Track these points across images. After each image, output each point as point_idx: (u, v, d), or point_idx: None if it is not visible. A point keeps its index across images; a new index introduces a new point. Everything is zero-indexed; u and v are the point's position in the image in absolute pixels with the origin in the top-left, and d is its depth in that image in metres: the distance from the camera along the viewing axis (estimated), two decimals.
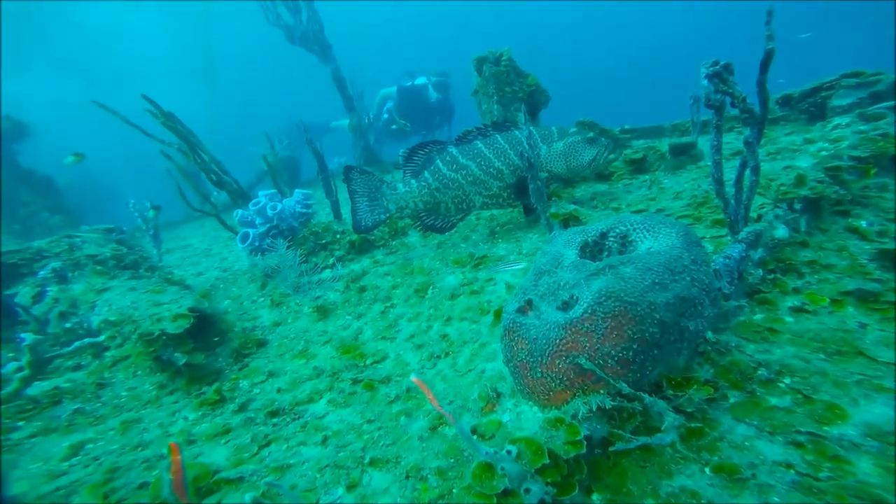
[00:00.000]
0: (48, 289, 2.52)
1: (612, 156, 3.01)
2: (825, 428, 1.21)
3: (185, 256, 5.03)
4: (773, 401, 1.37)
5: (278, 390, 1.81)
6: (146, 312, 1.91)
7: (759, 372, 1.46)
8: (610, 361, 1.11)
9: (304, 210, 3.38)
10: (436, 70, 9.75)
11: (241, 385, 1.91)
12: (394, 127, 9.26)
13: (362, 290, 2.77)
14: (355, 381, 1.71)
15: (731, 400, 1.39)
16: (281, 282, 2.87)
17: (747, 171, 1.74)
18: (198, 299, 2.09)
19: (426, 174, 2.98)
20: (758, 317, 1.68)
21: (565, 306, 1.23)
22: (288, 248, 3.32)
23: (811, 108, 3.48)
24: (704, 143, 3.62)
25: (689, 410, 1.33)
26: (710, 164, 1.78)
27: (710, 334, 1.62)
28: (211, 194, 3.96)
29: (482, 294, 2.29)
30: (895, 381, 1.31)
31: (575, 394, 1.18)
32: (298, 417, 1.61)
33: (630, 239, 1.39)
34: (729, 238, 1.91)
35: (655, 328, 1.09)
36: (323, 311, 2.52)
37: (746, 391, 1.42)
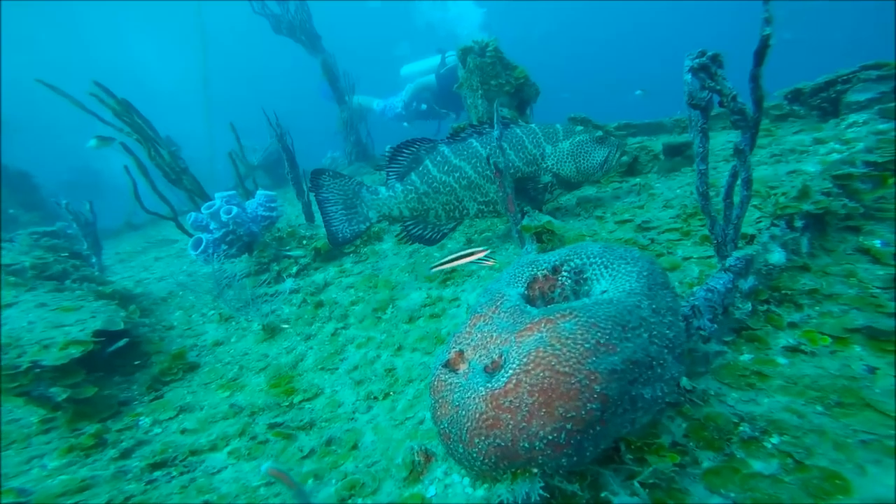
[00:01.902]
0: None
1: (624, 157, 2.71)
2: None
3: (158, 257, 4.86)
4: (757, 466, 1.12)
5: (182, 431, 1.60)
6: (39, 336, 1.69)
7: (741, 428, 1.22)
8: (538, 444, 0.87)
9: (266, 213, 3.16)
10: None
11: (140, 423, 1.69)
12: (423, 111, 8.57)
13: (319, 305, 2.55)
14: (272, 426, 1.49)
15: (705, 464, 1.15)
16: (233, 294, 2.66)
17: (738, 184, 1.47)
18: (111, 319, 1.88)
19: (413, 176, 2.54)
20: (745, 357, 1.42)
21: (493, 368, 0.99)
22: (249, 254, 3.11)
23: (823, 103, 3.15)
24: (713, 139, 3.31)
25: (651, 481, 1.09)
26: (703, 166, 1.51)
27: (685, 381, 1.38)
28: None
29: (442, 318, 2.06)
30: None
31: (502, 475, 0.95)
32: (188, 471, 1.38)
33: (585, 276, 1.14)
34: (717, 260, 1.65)
35: (595, 404, 0.85)
36: (271, 331, 2.31)
37: (724, 453, 1.18)
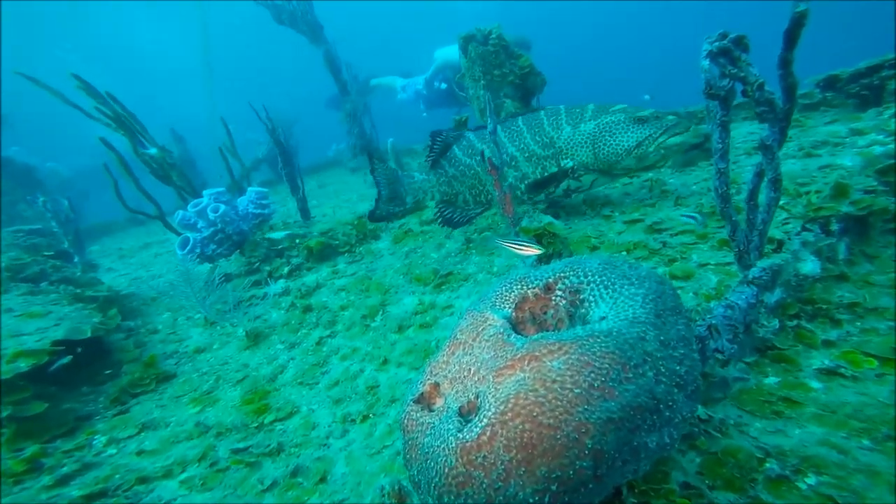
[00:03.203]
0: None
1: (676, 139, 2.19)
2: None
3: (158, 254, 4.81)
4: None
5: (139, 453, 1.48)
6: None
7: (768, 465, 1.04)
8: None
9: (258, 210, 3.04)
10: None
11: (94, 442, 1.57)
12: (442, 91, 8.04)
13: (308, 309, 2.43)
14: (236, 451, 1.36)
15: None
16: (221, 297, 2.56)
17: (764, 185, 1.26)
18: (76, 328, 1.77)
19: (444, 161, 2.71)
20: (770, 381, 1.24)
21: (468, 411, 0.84)
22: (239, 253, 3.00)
23: (864, 91, 2.86)
24: (735, 130, 3.06)
25: None
26: (722, 164, 1.31)
27: (700, 409, 1.20)
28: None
29: (433, 328, 1.90)
30: None
31: None
32: None
33: (582, 297, 0.97)
34: (738, 270, 1.45)
35: (586, 462, 0.69)
36: (255, 337, 2.20)
37: (747, 496, 1.00)
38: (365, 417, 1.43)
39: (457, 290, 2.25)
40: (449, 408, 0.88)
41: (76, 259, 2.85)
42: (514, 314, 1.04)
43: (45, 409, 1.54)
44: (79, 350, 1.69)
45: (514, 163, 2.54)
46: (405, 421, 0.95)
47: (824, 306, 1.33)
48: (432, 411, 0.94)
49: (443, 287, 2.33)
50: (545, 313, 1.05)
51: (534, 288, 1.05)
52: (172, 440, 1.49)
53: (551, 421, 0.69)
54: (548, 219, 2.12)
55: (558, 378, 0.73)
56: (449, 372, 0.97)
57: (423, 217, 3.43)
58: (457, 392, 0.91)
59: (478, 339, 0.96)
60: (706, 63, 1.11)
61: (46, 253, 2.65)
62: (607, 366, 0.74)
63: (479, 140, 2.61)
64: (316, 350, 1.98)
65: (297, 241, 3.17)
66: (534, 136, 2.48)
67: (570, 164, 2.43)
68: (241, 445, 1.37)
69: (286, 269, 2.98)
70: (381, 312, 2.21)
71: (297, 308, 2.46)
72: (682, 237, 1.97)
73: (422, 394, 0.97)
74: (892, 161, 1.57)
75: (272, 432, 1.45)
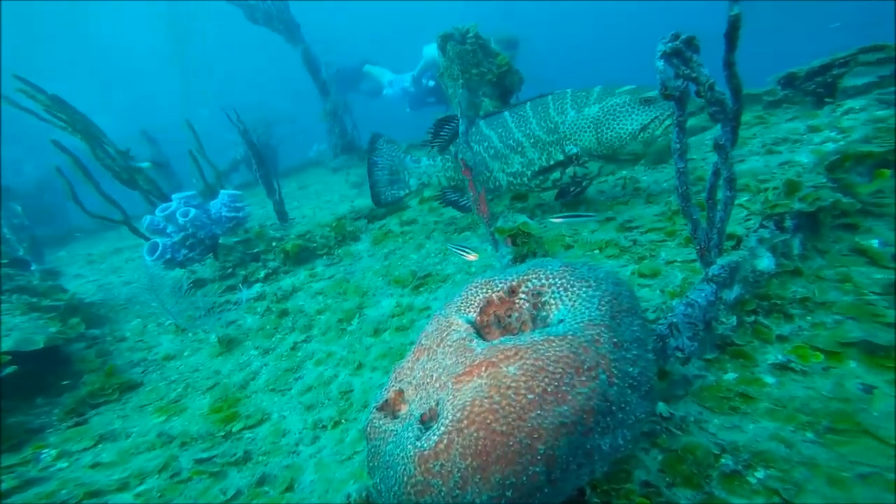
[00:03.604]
0: None
1: (690, 120, 2.14)
2: None
3: (130, 258, 4.66)
4: None
5: (94, 465, 1.42)
6: None
7: (723, 461, 1.09)
8: None
9: (231, 214, 2.97)
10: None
11: (42, 456, 1.51)
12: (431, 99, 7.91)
13: (284, 314, 2.39)
14: (200, 461, 1.33)
15: None
16: (193, 303, 2.49)
17: (720, 184, 1.31)
18: (26, 338, 1.70)
19: (452, 147, 2.66)
20: (729, 377, 1.29)
21: (429, 418, 0.84)
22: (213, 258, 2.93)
23: (819, 88, 2.98)
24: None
25: None
26: (681, 164, 1.35)
27: (662, 406, 1.24)
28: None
29: (409, 331, 1.90)
30: None
31: None
32: None
33: (544, 300, 0.99)
34: (701, 267, 1.50)
35: (539, 467, 0.70)
36: (228, 344, 2.16)
37: (703, 492, 1.05)
38: (336, 423, 1.42)
39: (435, 292, 2.25)
40: (412, 415, 0.89)
41: (33, 267, 2.72)
42: (478, 318, 1.05)
43: None
44: (10, 368, 1.61)
45: (520, 149, 2.45)
46: (368, 428, 0.95)
47: (779, 302, 1.39)
48: (396, 418, 0.94)
49: (421, 289, 2.33)
50: (510, 316, 1.06)
51: (498, 291, 1.06)
52: (132, 451, 1.45)
53: (504, 428, 0.70)
54: (522, 218, 2.14)
55: (513, 384, 0.75)
56: (413, 378, 0.98)
57: (404, 217, 3.42)
58: (420, 399, 0.92)
59: (442, 345, 0.96)
60: (660, 64, 1.14)
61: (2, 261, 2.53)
62: (561, 370, 0.76)
63: (487, 127, 2.55)
64: (290, 355, 1.96)
65: (274, 244, 3.12)
66: (539, 122, 2.39)
67: (574, 150, 2.32)
68: (205, 455, 1.34)
69: (262, 273, 2.93)
70: (357, 316, 2.19)
71: (272, 313, 2.43)
72: (651, 234, 2.02)
73: (386, 400, 0.97)
74: (839, 157, 1.65)
75: (240, 440, 1.42)
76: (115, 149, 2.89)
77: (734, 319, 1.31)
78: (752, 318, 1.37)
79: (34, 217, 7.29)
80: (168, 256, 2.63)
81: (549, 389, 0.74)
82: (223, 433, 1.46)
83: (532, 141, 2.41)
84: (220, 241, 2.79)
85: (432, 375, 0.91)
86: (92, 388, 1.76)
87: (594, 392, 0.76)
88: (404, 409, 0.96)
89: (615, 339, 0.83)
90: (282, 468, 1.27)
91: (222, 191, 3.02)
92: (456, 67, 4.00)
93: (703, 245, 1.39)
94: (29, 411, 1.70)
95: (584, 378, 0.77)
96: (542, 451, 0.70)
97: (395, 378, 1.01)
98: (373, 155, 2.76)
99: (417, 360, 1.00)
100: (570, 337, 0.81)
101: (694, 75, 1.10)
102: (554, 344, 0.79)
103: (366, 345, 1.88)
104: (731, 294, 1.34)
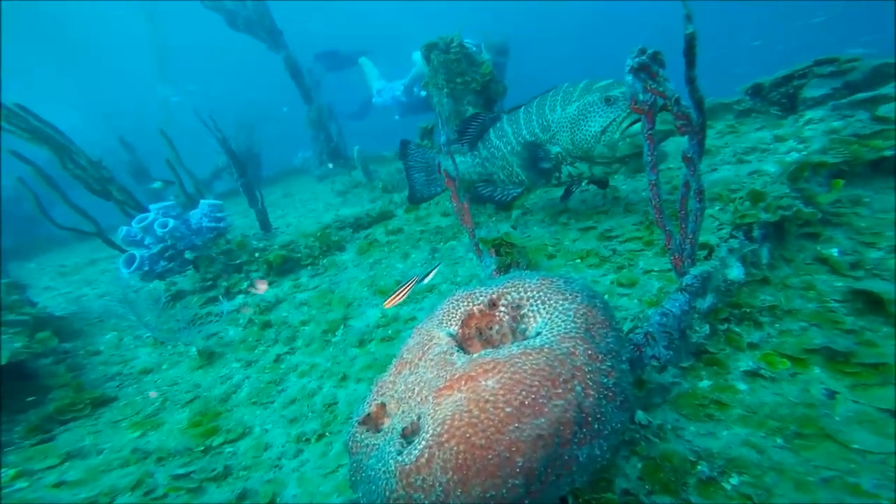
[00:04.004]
0: None
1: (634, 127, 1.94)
2: None
3: (105, 270, 4.51)
4: None
5: (58, 484, 1.36)
6: None
7: (699, 468, 1.12)
8: None
9: (212, 224, 2.92)
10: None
11: None
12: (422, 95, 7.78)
13: (266, 325, 2.36)
14: (177, 477, 1.30)
15: None
16: (173, 315, 2.44)
17: (691, 194, 1.36)
18: None
19: (480, 143, 2.76)
20: (704, 384, 1.33)
21: (410, 432, 0.85)
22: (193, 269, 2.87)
23: (783, 99, 3.13)
24: (674, 141, 3.26)
25: None
26: (672, 168, 1.41)
27: (641, 415, 1.28)
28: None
29: (394, 342, 1.91)
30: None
31: None
32: None
33: (523, 312, 1.01)
34: (676, 276, 1.56)
35: (518, 479, 0.72)
36: (209, 356, 2.11)
37: (680, 498, 1.08)
38: (321, 436, 1.41)
39: (420, 302, 2.26)
40: (394, 429, 0.89)
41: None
42: (460, 331, 1.06)
43: None
44: None
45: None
46: (350, 442, 0.95)
47: (749, 310, 1.45)
48: (379, 432, 0.95)
49: (407, 300, 2.33)
50: (491, 329, 1.08)
51: (479, 304, 1.08)
52: (103, 469, 1.39)
53: (483, 441, 0.72)
54: (505, 228, 2.18)
55: (491, 398, 0.76)
56: (396, 392, 0.98)
57: (389, 227, 3.43)
58: (402, 413, 0.93)
59: (423, 359, 0.97)
60: (629, 78, 1.19)
61: None
62: (537, 383, 0.78)
63: (507, 122, 2.56)
64: (273, 367, 1.93)
65: (257, 254, 3.08)
66: (539, 119, 2.37)
67: (557, 149, 2.29)
68: (182, 471, 1.30)
69: (245, 285, 2.88)
70: (342, 327, 2.18)
71: (255, 324, 2.39)
72: (630, 244, 2.08)
73: (368, 414, 0.98)
74: (797, 167, 1.74)
75: (220, 455, 1.39)
76: (87, 158, 2.80)
77: (707, 328, 1.36)
78: (725, 326, 1.43)
79: (12, 227, 6.99)
80: (146, 268, 2.57)
81: (526, 402, 0.76)
82: (202, 448, 1.43)
83: (533, 138, 2.38)
84: (200, 252, 2.74)
85: (414, 389, 0.93)
86: (60, 404, 1.69)
87: (570, 404, 0.79)
88: (387, 422, 0.97)
89: (590, 352, 0.86)
90: (263, 483, 1.25)
91: (203, 200, 2.97)
92: (441, 76, 4.05)
93: (678, 254, 1.45)
94: None
95: (560, 390, 0.79)
96: (520, 464, 0.72)
97: (378, 391, 1.02)
98: (407, 160, 2.88)
99: (399, 373, 1.01)
100: (546, 349, 0.83)
101: (661, 90, 1.15)
102: (531, 357, 0.82)
103: (350, 356, 1.88)
104: (705, 303, 1.39)
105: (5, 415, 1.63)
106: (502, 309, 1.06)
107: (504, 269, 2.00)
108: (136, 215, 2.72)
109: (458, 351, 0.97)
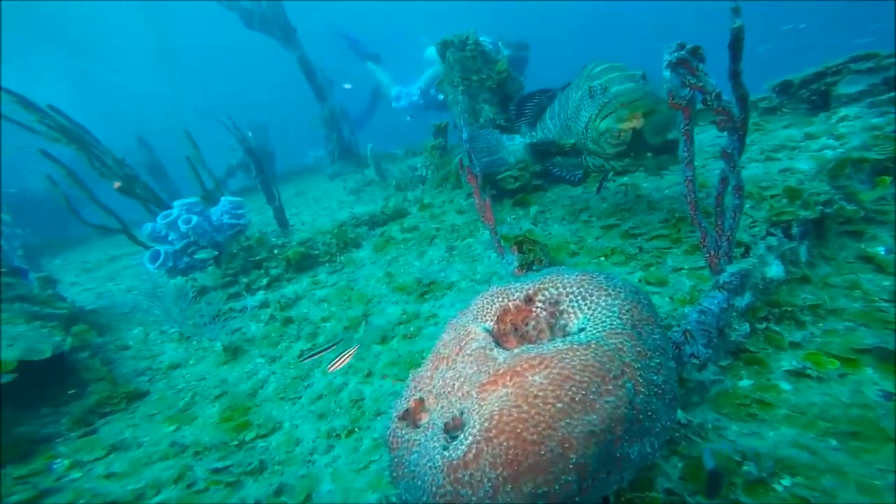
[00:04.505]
0: None
1: (625, 123, 1.66)
2: None
3: (128, 266, 4.60)
4: None
5: (108, 476, 1.40)
6: None
7: (746, 468, 1.08)
8: None
9: (233, 221, 2.95)
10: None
11: (54, 467, 1.48)
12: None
13: (288, 322, 2.37)
14: (215, 471, 1.31)
15: None
16: (197, 311, 2.47)
17: (728, 192, 1.32)
18: (32, 348, 1.67)
19: (538, 124, 2.68)
20: (744, 384, 1.29)
21: (454, 427, 0.83)
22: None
23: (813, 96, 3.03)
24: (702, 133, 3.17)
25: None
26: (689, 172, 1.36)
27: (680, 413, 1.24)
28: None
29: (416, 339, 1.90)
30: None
31: None
32: None
33: (561, 309, 0.99)
34: (710, 274, 1.51)
35: (571, 476, 0.70)
36: (233, 352, 2.13)
37: (728, 500, 1.04)
38: (350, 432, 1.41)
39: (440, 300, 2.25)
40: (434, 424, 0.88)
41: (31, 276, 2.68)
42: (495, 326, 1.04)
43: None
44: (8, 377, 1.58)
45: (566, 126, 2.24)
46: (390, 438, 0.94)
47: (789, 309, 1.40)
48: (418, 427, 0.93)
49: (426, 296, 2.32)
50: (527, 325, 1.06)
51: (515, 300, 1.06)
52: (145, 461, 1.42)
53: (535, 437, 0.70)
54: (528, 226, 2.15)
55: (540, 393, 0.74)
56: (433, 387, 0.97)
57: (405, 224, 3.42)
58: (442, 408, 0.91)
59: (461, 354, 0.96)
60: (667, 73, 1.16)
61: None
62: (587, 378, 0.76)
63: (557, 102, 2.37)
64: (298, 363, 1.94)
65: (276, 251, 3.11)
66: (563, 108, 2.26)
67: (572, 141, 2.17)
68: (220, 465, 1.32)
69: (265, 281, 2.90)
70: (363, 323, 2.18)
71: (276, 320, 2.41)
72: (657, 242, 2.04)
73: (407, 410, 0.97)
74: (838, 163, 1.68)
75: (254, 450, 1.40)
76: (112, 157, 2.86)
77: (746, 326, 1.32)
78: (764, 325, 1.38)
79: (43, 224, 7.21)
80: (170, 264, 2.61)
81: (576, 398, 0.74)
82: (236, 442, 1.44)
83: (568, 116, 2.18)
84: (222, 248, 2.77)
85: (453, 384, 0.91)
86: (99, 397, 1.73)
87: (621, 400, 0.76)
88: (425, 418, 0.96)
89: (638, 348, 0.84)
90: (298, 478, 1.25)
91: (223, 197, 3.00)
92: (456, 74, 4.03)
93: (713, 251, 1.41)
94: (35, 421, 1.66)
95: (610, 386, 0.77)
96: (573, 460, 0.70)
97: (415, 387, 1.01)
98: (472, 143, 2.81)
99: (436, 368, 0.99)
100: (594, 345, 0.81)
101: (701, 84, 1.12)
102: (578, 352, 0.79)
103: (374, 352, 1.87)
104: (743, 301, 1.35)
105: (50, 407, 1.68)
106: (539, 305, 1.04)
107: (527, 266, 1.97)
108: (159, 212, 2.76)
109: (496, 346, 0.95)
